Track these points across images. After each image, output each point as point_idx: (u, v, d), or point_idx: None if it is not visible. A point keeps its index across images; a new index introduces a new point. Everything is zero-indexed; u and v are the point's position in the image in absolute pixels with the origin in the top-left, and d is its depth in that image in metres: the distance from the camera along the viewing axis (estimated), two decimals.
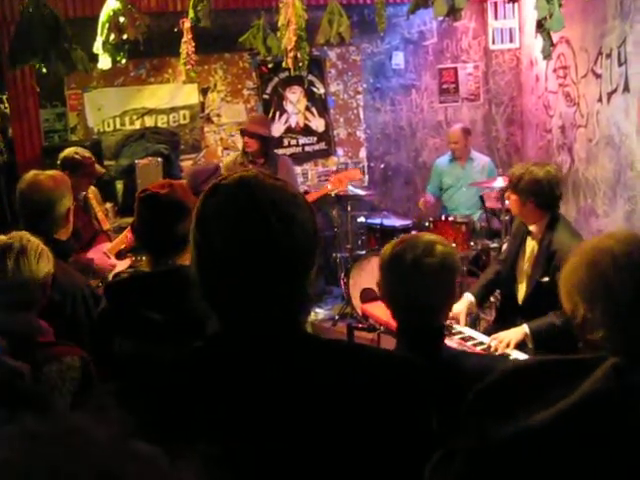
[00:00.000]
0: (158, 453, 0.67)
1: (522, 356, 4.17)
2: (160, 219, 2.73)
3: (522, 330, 4.33)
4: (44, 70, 5.53)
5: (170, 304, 2.58)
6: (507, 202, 5.08)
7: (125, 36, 5.80)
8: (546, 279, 4.44)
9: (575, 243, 4.44)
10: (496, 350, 4.17)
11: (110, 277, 5.15)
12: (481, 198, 7.00)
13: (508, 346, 4.22)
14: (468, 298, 4.68)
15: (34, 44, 5.31)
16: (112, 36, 5.75)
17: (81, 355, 2.75)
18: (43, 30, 5.28)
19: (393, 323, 4.59)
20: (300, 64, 5.75)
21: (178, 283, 2.60)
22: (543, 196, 4.41)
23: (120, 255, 5.47)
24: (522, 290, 4.70)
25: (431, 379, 1.65)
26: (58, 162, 5.65)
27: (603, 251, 1.83)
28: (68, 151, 5.79)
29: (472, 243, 6.88)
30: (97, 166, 5.95)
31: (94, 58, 5.99)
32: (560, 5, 5.11)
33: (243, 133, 6.96)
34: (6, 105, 7.39)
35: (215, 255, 1.49)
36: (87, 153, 5.85)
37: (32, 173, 3.81)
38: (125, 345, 2.60)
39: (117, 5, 5.83)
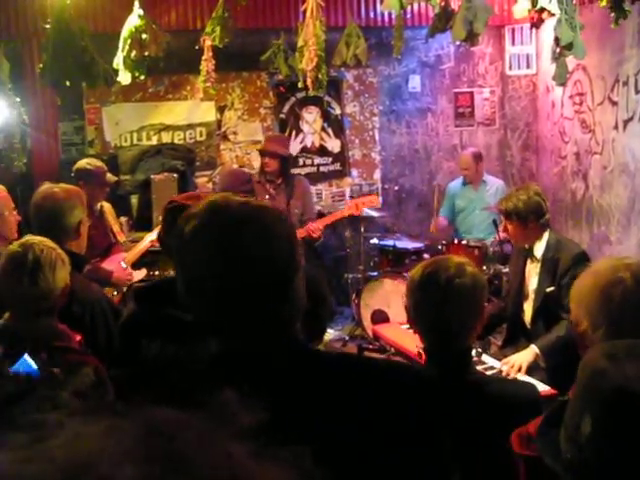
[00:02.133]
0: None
1: (532, 380, 4.17)
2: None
3: (532, 351, 4.34)
4: (67, 83, 5.59)
5: None
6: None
7: (146, 52, 5.85)
8: (552, 289, 4.50)
9: (576, 249, 4.52)
10: (508, 375, 4.17)
11: (125, 288, 5.18)
12: (494, 222, 7.00)
13: (520, 370, 4.22)
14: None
15: (61, 61, 5.37)
16: (133, 52, 5.80)
17: (95, 365, 2.78)
18: (68, 45, 5.34)
19: (404, 345, 4.62)
20: (319, 85, 5.79)
21: None
22: (542, 212, 4.55)
23: (134, 267, 5.51)
24: (529, 309, 4.75)
25: (443, 395, 1.65)
26: (72, 174, 5.75)
27: (616, 283, 1.87)
28: (81, 162, 5.99)
29: (484, 267, 6.86)
30: (108, 174, 6.04)
31: (114, 73, 6.05)
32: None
33: (263, 153, 6.85)
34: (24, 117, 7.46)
35: (196, 278, 1.52)
36: (99, 163, 6.01)
37: (46, 185, 3.86)
38: (152, 346, 2.62)
39: (139, 22, 5.90)
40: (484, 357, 4.41)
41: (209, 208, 1.55)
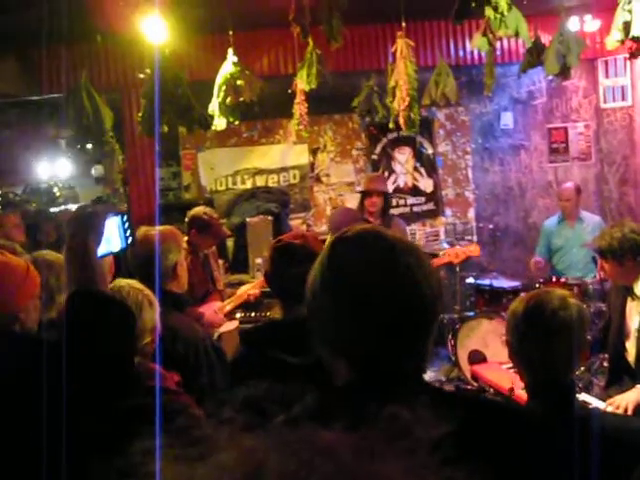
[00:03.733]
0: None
1: None
2: (293, 268, 2.80)
3: (638, 391, 4.18)
4: (165, 129, 5.76)
5: (305, 349, 2.62)
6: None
7: (241, 98, 5.99)
8: None
9: None
10: None
11: (215, 336, 5.22)
12: (594, 259, 6.83)
13: (626, 411, 4.07)
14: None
15: (159, 107, 5.55)
16: (228, 98, 5.95)
17: (187, 404, 2.81)
18: (166, 93, 5.52)
19: (503, 385, 4.53)
20: (412, 124, 5.80)
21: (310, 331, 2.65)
22: (639, 249, 4.39)
23: (229, 316, 5.56)
24: (632, 348, 4.59)
25: (551, 434, 1.61)
26: (186, 219, 5.74)
27: None
28: (197, 211, 5.83)
29: (585, 306, 6.69)
30: (224, 228, 6.05)
31: (210, 119, 6.21)
32: None
33: (367, 193, 6.70)
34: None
35: (353, 305, 1.50)
36: (215, 214, 5.90)
37: (143, 229, 3.94)
38: (259, 388, 2.63)
39: (233, 69, 6.05)
40: (586, 397, 4.28)
41: (365, 235, 1.55)
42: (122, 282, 3.10)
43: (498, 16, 4.39)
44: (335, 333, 1.54)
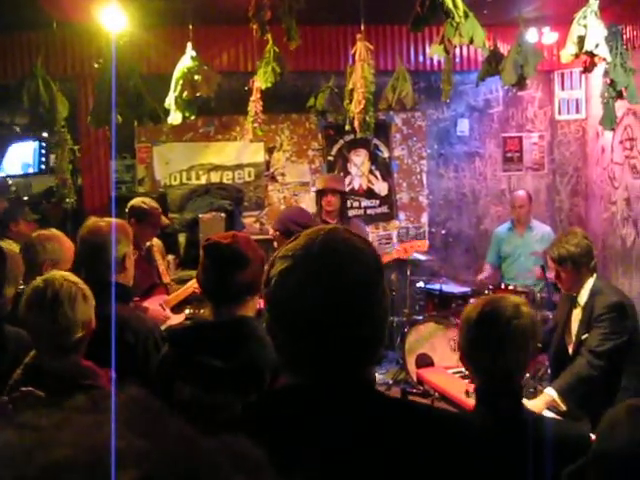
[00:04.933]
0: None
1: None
2: (222, 269, 2.77)
3: (547, 398, 4.26)
4: (119, 118, 5.71)
5: (231, 353, 2.60)
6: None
7: (198, 93, 5.96)
8: (586, 336, 4.48)
9: (613, 297, 4.44)
10: None
11: (162, 328, 5.18)
12: (542, 268, 6.92)
13: None
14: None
15: (110, 100, 5.49)
16: (185, 92, 5.91)
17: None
18: (120, 85, 5.47)
19: (449, 389, 4.57)
20: (366, 127, 5.82)
21: (240, 333, 2.64)
22: (592, 255, 4.56)
23: (176, 309, 5.51)
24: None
25: (496, 438, 1.63)
26: (126, 210, 5.77)
27: None
28: (136, 200, 5.96)
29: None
30: (163, 217, 6.06)
31: (165, 113, 6.16)
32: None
33: (324, 192, 6.64)
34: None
35: (290, 310, 1.51)
36: (154, 204, 5.99)
37: (92, 220, 3.90)
38: (184, 391, 2.62)
39: (191, 63, 6.02)
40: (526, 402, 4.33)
41: (307, 243, 1.55)
42: (57, 274, 3.04)
43: (454, 24, 4.42)
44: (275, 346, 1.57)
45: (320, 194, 6.75)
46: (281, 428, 1.49)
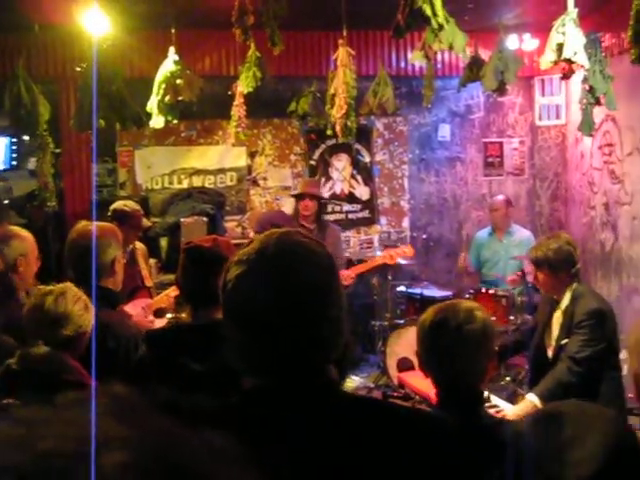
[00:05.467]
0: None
1: None
2: (201, 272, 2.79)
3: (529, 404, 4.28)
4: (102, 123, 5.72)
5: (208, 356, 2.62)
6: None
7: (180, 97, 5.97)
8: (565, 341, 4.48)
9: (593, 304, 4.45)
10: None
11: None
12: (522, 272, 6.98)
13: None
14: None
15: (96, 106, 5.50)
16: (167, 96, 5.92)
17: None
18: (102, 89, 5.47)
19: (429, 393, 4.59)
20: (348, 132, 5.85)
21: (218, 336, 2.65)
22: (573, 262, 4.51)
23: (158, 314, 5.51)
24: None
25: (462, 442, 1.65)
26: (108, 213, 5.80)
27: None
28: (118, 203, 6.04)
29: (512, 317, 6.83)
30: (144, 219, 6.09)
31: (147, 117, 6.17)
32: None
33: (301, 196, 6.78)
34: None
35: (245, 312, 1.55)
36: (136, 206, 6.07)
37: (82, 223, 3.91)
38: (160, 393, 2.63)
39: (174, 67, 6.03)
40: (495, 399, 4.36)
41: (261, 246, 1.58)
42: (65, 283, 3.16)
43: (434, 31, 4.46)
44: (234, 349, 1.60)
45: (297, 198, 6.87)
46: (244, 429, 1.52)
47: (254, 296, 1.52)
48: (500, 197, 8.01)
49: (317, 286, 1.55)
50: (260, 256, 1.55)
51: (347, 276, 6.56)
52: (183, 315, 6.07)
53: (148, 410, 0.69)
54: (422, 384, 4.98)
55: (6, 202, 10.15)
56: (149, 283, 5.96)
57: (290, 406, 1.53)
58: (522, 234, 7.89)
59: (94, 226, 3.85)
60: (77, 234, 3.80)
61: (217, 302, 2.77)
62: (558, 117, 8.91)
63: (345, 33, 6.15)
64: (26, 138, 8.45)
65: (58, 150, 7.27)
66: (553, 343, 4.65)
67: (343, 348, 2.44)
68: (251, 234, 6.30)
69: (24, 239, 4.04)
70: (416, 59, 5.46)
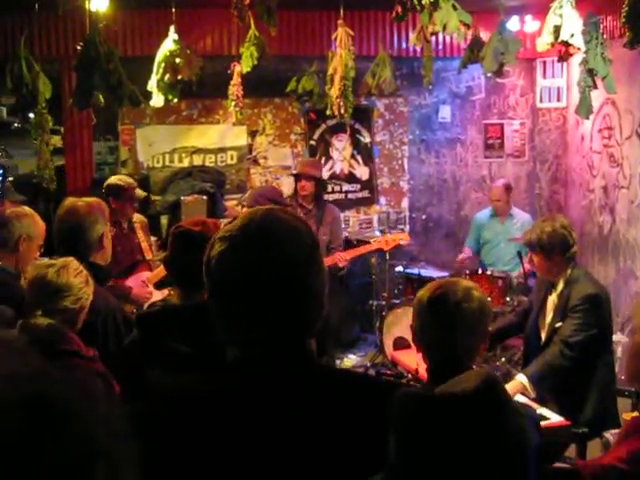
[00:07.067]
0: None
1: (544, 411, 4.21)
2: (191, 255, 2.84)
3: (518, 384, 4.33)
4: (102, 100, 5.75)
5: (198, 338, 2.67)
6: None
7: (180, 76, 5.99)
8: (559, 324, 4.50)
9: (589, 289, 4.46)
10: None
11: (145, 306, 5.25)
12: (519, 254, 7.03)
13: None
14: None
15: (94, 84, 5.52)
16: (167, 75, 5.95)
17: (102, 372, 2.87)
18: (100, 68, 5.50)
19: (421, 371, 4.65)
20: (344, 112, 5.88)
21: (206, 317, 2.71)
22: (567, 245, 4.50)
23: (159, 286, 5.56)
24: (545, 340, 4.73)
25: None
26: (102, 190, 5.87)
27: None
28: (112, 179, 6.15)
29: (508, 299, 6.88)
30: (137, 190, 6.13)
31: (148, 96, 6.20)
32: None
33: (298, 177, 6.92)
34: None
35: (228, 283, 1.62)
36: (129, 179, 6.17)
37: (70, 200, 3.96)
38: (152, 375, 2.69)
39: (174, 46, 6.05)
40: None
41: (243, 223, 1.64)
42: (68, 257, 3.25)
43: (428, 12, 4.48)
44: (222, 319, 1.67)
45: (296, 178, 6.97)
46: (221, 399, 1.59)
47: (237, 270, 1.58)
48: (500, 183, 7.97)
49: (298, 261, 1.60)
50: (243, 233, 1.61)
51: (342, 258, 6.62)
52: (172, 297, 6.13)
53: (28, 351, 0.75)
54: (414, 362, 5.05)
55: (11, 179, 10.23)
56: (149, 255, 6.00)
57: (264, 378, 1.59)
58: (523, 217, 7.90)
59: (82, 202, 3.90)
60: (64, 211, 3.85)
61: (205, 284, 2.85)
62: (559, 99, 8.91)
63: (342, 13, 6.17)
64: (32, 116, 8.48)
65: (60, 128, 7.29)
66: (547, 325, 4.69)
67: (323, 321, 2.51)
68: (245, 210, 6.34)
69: (35, 221, 4.07)
70: (415, 42, 5.47)
